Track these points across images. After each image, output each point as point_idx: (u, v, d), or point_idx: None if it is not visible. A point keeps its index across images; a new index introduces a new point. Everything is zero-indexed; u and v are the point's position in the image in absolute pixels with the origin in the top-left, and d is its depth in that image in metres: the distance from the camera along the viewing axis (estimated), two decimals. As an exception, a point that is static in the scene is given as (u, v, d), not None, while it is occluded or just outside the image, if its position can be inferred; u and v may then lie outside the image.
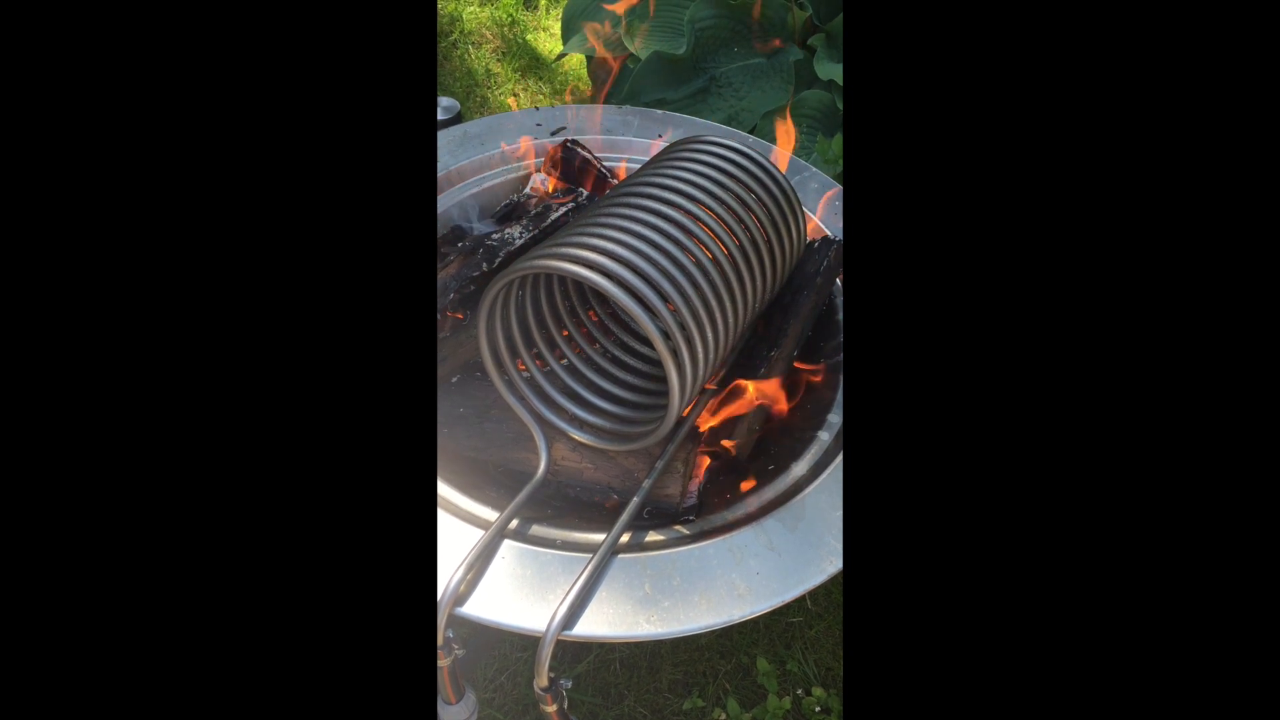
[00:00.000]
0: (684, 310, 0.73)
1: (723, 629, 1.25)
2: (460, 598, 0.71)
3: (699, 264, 0.76)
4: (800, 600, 1.15)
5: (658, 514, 0.84)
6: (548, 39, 2.27)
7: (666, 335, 0.71)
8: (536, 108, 1.21)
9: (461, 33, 2.25)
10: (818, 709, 1.18)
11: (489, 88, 2.12)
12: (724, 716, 1.17)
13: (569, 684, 0.73)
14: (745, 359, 0.95)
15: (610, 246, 0.72)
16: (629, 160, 1.18)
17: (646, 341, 0.95)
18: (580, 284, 0.93)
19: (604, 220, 0.76)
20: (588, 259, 0.71)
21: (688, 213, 0.78)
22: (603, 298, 0.95)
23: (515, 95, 2.10)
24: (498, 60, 2.19)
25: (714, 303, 0.76)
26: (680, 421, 0.84)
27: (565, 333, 0.92)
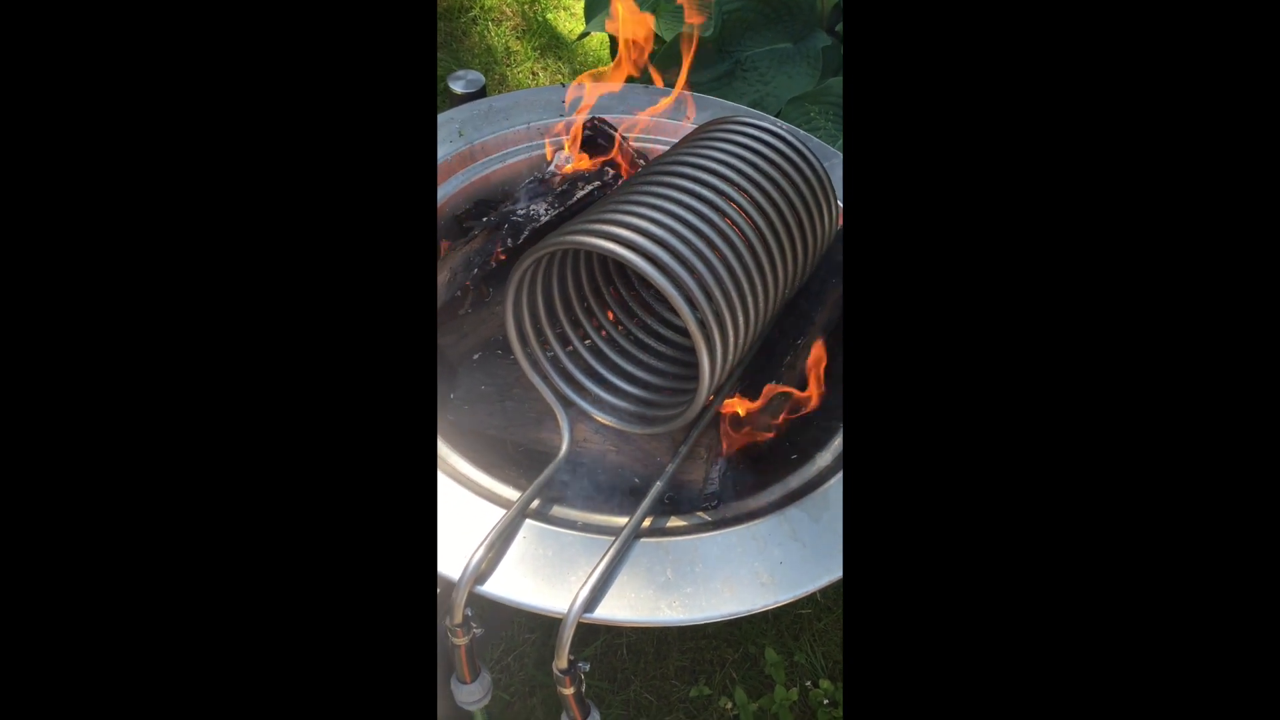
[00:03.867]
0: (716, 292, 0.71)
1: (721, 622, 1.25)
2: (480, 576, 0.70)
3: (732, 245, 0.74)
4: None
5: (679, 499, 0.83)
6: (568, 18, 2.25)
7: (701, 322, 0.70)
8: (564, 84, 1.19)
9: (481, 9, 2.22)
10: (825, 701, 1.17)
11: (508, 65, 2.09)
12: (730, 705, 1.17)
13: (587, 667, 0.72)
14: (771, 346, 0.94)
15: (645, 225, 0.71)
16: (656, 140, 1.16)
17: (672, 324, 0.93)
18: (609, 263, 0.91)
19: (638, 198, 0.75)
20: (622, 236, 0.70)
21: (722, 193, 0.76)
22: (630, 277, 0.94)
23: (534, 74, 2.07)
24: (517, 38, 2.16)
25: (746, 285, 0.75)
26: (705, 406, 0.82)
27: (595, 321, 0.90)
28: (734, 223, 0.76)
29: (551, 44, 2.16)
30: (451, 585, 0.70)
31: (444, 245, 0.99)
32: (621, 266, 0.93)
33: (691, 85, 1.49)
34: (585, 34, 1.95)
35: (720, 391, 0.85)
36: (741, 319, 0.74)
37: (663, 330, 0.93)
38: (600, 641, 1.21)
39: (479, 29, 2.17)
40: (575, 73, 2.09)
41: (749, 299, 0.75)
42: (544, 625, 1.20)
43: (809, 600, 1.28)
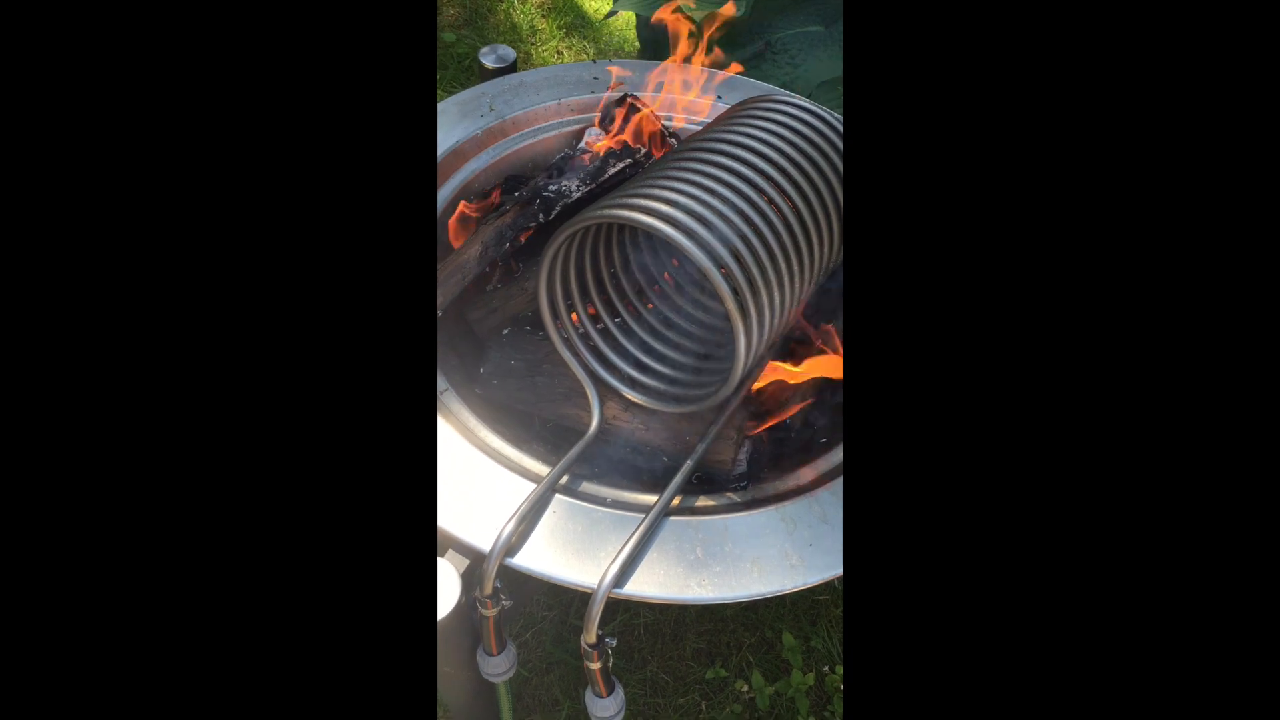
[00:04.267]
0: (754, 270, 0.71)
1: (748, 603, 1.25)
2: (510, 549, 0.70)
3: (770, 224, 0.73)
4: (830, 578, 1.15)
5: (708, 479, 0.83)
6: (594, -3, 2.22)
7: (739, 301, 0.69)
8: (595, 60, 1.18)
9: (507, -14, 2.20)
10: (841, 687, 1.17)
11: (533, 43, 2.08)
12: (747, 688, 1.17)
13: (614, 642, 0.72)
14: (800, 328, 0.93)
15: (684, 200, 0.70)
16: (687, 119, 1.15)
17: (703, 304, 0.92)
18: (640, 239, 0.91)
19: (676, 174, 0.74)
20: (661, 211, 0.69)
21: (761, 171, 0.76)
22: (661, 254, 0.93)
23: (559, 53, 2.06)
24: (543, 16, 2.14)
25: (783, 265, 0.74)
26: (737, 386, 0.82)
27: (627, 299, 0.89)
28: (772, 201, 0.75)
29: (577, 23, 2.14)
30: (482, 557, 0.70)
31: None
32: (653, 243, 0.92)
33: (721, 66, 1.47)
34: (613, 13, 1.94)
35: (751, 372, 0.84)
36: (778, 299, 0.74)
37: (693, 310, 0.92)
38: (618, 621, 1.21)
39: (505, 6, 2.16)
40: (600, 52, 2.08)
41: (785, 279, 0.75)
42: (561, 603, 1.20)
43: (826, 586, 1.28)
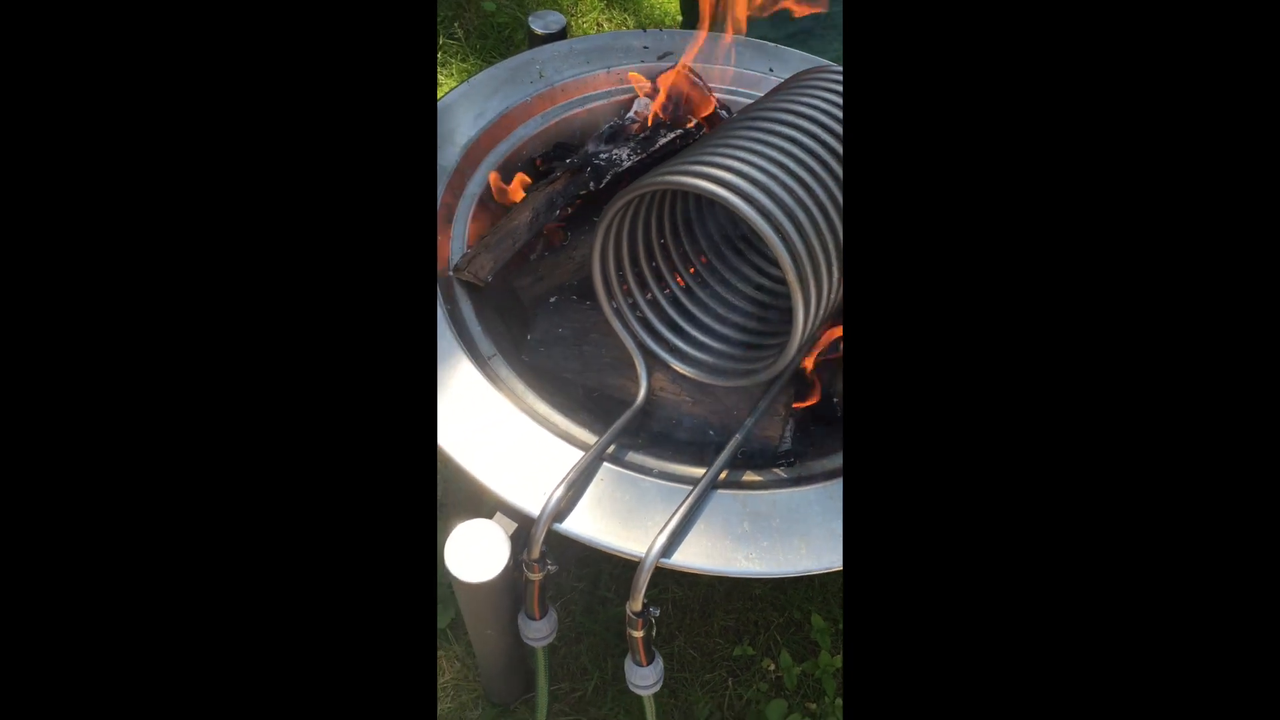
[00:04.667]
0: (815, 242, 0.69)
1: (776, 582, 1.24)
2: (559, 515, 0.70)
3: (832, 196, 0.72)
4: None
5: (754, 454, 0.82)
6: (636, -31, 2.19)
7: (799, 273, 0.68)
8: (644, 29, 1.17)
9: (548, -45, 2.17)
10: (868, 670, 1.17)
11: (574, 15, 2.05)
12: (774, 666, 1.17)
13: (657, 611, 0.72)
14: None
15: (746, 169, 0.69)
16: (735, 91, 1.13)
17: (750, 279, 0.91)
18: (691, 211, 0.89)
19: (737, 143, 0.73)
20: (725, 179, 0.68)
21: (823, 143, 0.74)
22: (711, 228, 0.92)
23: (600, 25, 2.04)
24: (583, -13, 2.12)
25: (842, 237, 0.73)
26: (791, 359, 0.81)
27: (677, 273, 0.88)
28: (832, 172, 0.73)
29: (618, -5, 2.11)
30: (529, 521, 0.70)
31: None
32: (705, 213, 0.91)
33: (765, 40, 1.45)
34: (655, -15, 1.91)
35: (805, 346, 0.83)
36: (836, 271, 0.72)
37: (740, 285, 0.91)
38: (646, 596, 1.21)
39: (545, -24, 2.13)
40: (641, 24, 2.05)
41: (842, 252, 0.73)
42: (590, 574, 1.20)
43: (855, 570, 1.28)
